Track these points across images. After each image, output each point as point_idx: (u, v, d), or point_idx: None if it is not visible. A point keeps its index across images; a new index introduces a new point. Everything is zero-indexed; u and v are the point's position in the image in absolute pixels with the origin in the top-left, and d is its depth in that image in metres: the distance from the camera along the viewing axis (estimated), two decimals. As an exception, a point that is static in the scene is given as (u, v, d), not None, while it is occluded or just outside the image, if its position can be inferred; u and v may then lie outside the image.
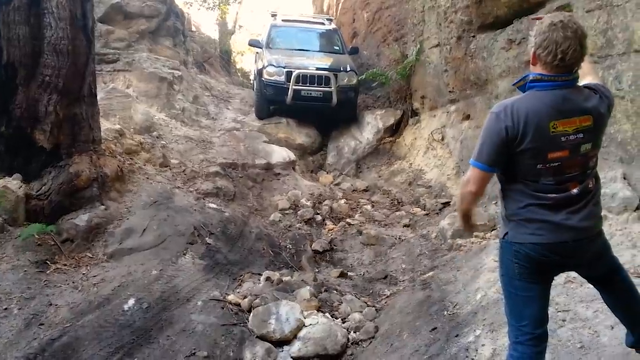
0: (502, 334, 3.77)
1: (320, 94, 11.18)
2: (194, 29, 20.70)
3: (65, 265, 5.49)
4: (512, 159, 2.53)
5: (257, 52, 13.57)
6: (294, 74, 11.01)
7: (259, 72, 11.84)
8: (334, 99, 11.16)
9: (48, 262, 5.43)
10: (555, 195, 2.50)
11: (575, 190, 2.50)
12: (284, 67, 11.24)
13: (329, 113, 11.69)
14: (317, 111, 11.73)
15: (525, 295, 2.65)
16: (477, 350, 3.86)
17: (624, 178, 4.98)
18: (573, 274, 3.66)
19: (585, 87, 2.54)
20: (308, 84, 11.13)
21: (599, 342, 3.37)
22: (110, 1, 12.18)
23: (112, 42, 11.89)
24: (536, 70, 2.50)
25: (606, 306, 3.02)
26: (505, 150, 2.49)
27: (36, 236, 5.61)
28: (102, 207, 6.29)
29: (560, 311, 3.83)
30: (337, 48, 13.12)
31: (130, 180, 7.10)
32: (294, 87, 11.02)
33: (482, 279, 4.96)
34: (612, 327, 3.38)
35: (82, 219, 6.03)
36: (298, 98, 11.18)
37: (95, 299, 5.00)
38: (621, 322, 2.99)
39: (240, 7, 24.22)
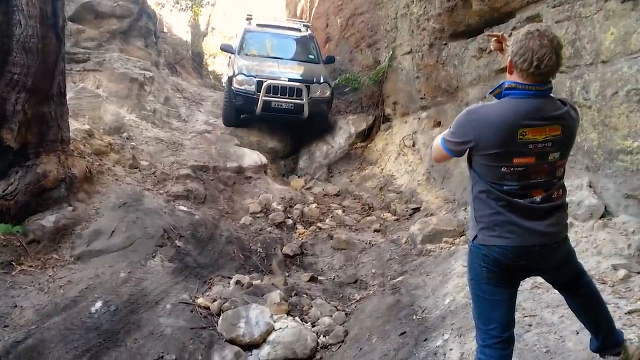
0: (469, 338, 3.81)
1: (291, 106, 10.88)
2: (166, 30, 20.57)
3: (31, 266, 5.40)
4: (477, 160, 2.60)
5: (230, 57, 13.24)
6: (264, 84, 10.69)
7: (229, 80, 11.57)
8: (306, 112, 10.93)
9: (13, 263, 5.34)
10: (519, 200, 2.54)
11: (538, 198, 2.55)
12: (254, 76, 10.92)
13: (300, 125, 11.56)
14: (287, 122, 11.57)
15: (493, 299, 2.69)
16: (445, 354, 3.89)
17: (590, 186, 5.09)
18: (540, 279, 3.73)
19: (557, 99, 2.59)
20: (279, 95, 10.80)
21: (565, 346, 3.42)
22: (81, 0, 12.01)
23: (82, 42, 11.73)
24: (512, 78, 2.55)
25: (571, 312, 3.07)
26: (468, 148, 2.61)
27: (2, 237, 5.51)
28: (70, 208, 6.20)
29: (526, 316, 3.88)
30: (312, 57, 12.80)
31: (99, 181, 7.01)
32: (264, 97, 10.70)
33: (451, 284, 5.01)
34: (577, 332, 3.44)
35: (49, 219, 5.93)
36: (268, 109, 10.87)
37: (62, 301, 4.93)
38: (585, 327, 3.05)
39: (213, 9, 24.12)
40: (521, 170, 2.50)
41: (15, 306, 4.76)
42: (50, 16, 6.26)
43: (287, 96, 10.84)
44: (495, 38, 2.95)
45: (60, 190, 6.23)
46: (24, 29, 5.97)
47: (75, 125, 7.72)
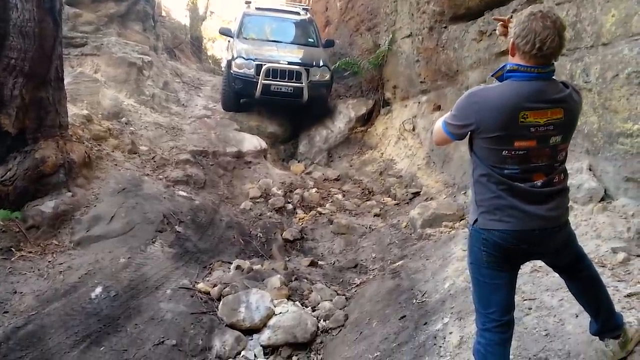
0: (469, 321, 3.82)
1: (291, 90, 10.79)
2: (164, 14, 20.44)
3: (30, 252, 5.39)
4: (478, 143, 2.58)
5: (229, 41, 13.11)
6: (263, 68, 10.60)
7: (228, 64, 11.48)
8: (305, 95, 10.85)
9: (13, 249, 5.34)
10: (520, 184, 2.52)
11: (539, 182, 2.52)
12: (253, 60, 10.82)
13: (299, 109, 11.50)
14: (287, 106, 11.50)
15: (493, 283, 2.68)
16: (444, 337, 3.90)
17: (590, 169, 5.07)
18: (539, 263, 3.72)
19: (560, 81, 2.56)
20: (278, 79, 10.70)
21: (564, 329, 3.42)
22: (79, -17, 11.92)
23: (80, 26, 11.64)
24: (514, 60, 2.51)
25: (571, 295, 3.07)
26: (469, 131, 2.59)
27: (1, 223, 5.50)
28: (69, 193, 6.19)
29: (526, 299, 3.88)
30: (312, 40, 12.70)
31: (98, 166, 6.99)
32: (263, 81, 10.60)
33: (451, 268, 5.01)
34: (577, 316, 3.44)
35: (48, 205, 5.92)
36: (267, 93, 10.78)
37: (62, 287, 4.93)
38: (585, 310, 3.05)
39: (211, -8, 23.97)
40: (522, 153, 2.48)
41: (15, 292, 4.76)
42: (47, 0, 6.20)
43: (286, 79, 10.74)
44: (501, 22, 2.89)
45: (59, 175, 6.21)
46: (20, 12, 5.90)
47: (74, 110, 7.69)
